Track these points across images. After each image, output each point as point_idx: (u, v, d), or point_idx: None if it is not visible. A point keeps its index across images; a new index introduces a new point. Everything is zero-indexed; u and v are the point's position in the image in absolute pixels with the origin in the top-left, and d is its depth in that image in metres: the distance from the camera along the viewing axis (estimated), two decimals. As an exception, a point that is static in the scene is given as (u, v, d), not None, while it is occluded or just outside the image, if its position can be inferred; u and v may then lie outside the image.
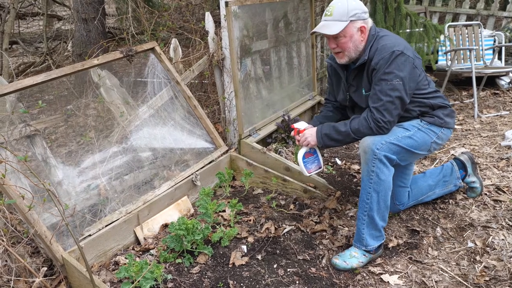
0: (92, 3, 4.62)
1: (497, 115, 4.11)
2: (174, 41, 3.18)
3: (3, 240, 1.85)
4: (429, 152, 2.27)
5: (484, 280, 1.97)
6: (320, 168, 2.41)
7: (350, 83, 2.28)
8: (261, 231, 2.42)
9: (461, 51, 4.80)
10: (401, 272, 2.10)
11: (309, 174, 2.38)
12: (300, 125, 2.38)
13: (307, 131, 2.29)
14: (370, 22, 2.17)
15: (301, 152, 2.32)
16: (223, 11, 2.90)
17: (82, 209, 2.30)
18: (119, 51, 2.64)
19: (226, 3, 2.79)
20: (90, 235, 2.13)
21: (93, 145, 2.61)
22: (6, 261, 1.92)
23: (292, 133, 2.39)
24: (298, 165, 2.36)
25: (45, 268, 1.99)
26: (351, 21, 2.08)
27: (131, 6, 4.59)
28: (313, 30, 2.21)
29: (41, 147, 2.36)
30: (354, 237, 2.20)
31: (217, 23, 3.15)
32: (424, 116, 2.21)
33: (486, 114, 4.17)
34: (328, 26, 2.11)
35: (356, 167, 3.17)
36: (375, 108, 2.06)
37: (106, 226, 2.21)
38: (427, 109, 2.20)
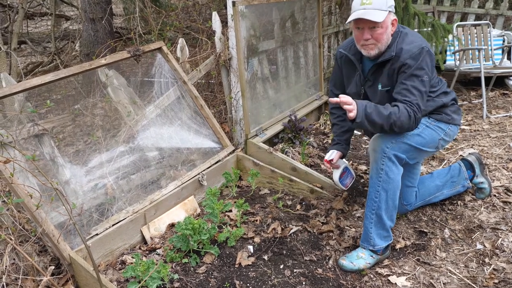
0: (100, 3, 4.65)
1: (506, 116, 4.06)
2: (181, 41, 3.18)
3: (11, 239, 1.86)
4: (436, 150, 2.27)
5: (493, 283, 1.95)
6: (353, 178, 2.58)
7: (368, 77, 2.22)
8: (268, 231, 2.41)
9: (470, 51, 4.75)
10: (408, 274, 2.08)
11: (347, 188, 2.55)
12: (331, 155, 2.46)
13: (352, 107, 1.97)
14: None
15: (337, 174, 2.46)
16: (230, 10, 2.89)
17: (89, 208, 2.31)
18: (127, 51, 2.65)
19: (233, 3, 2.79)
20: (97, 234, 2.14)
21: (101, 144, 2.62)
22: (14, 259, 1.93)
23: (327, 165, 2.47)
24: (336, 185, 2.54)
25: (53, 267, 2.00)
26: (389, 11, 2.05)
27: (138, 6, 4.61)
28: (357, 17, 2.02)
29: (49, 146, 2.38)
30: (361, 236, 2.18)
31: (224, 23, 3.15)
32: (431, 113, 2.20)
33: (495, 114, 4.13)
34: (370, 13, 1.99)
35: (363, 167, 3.15)
36: (409, 102, 1.99)
37: (113, 225, 2.22)
38: (437, 108, 2.20)
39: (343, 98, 1.94)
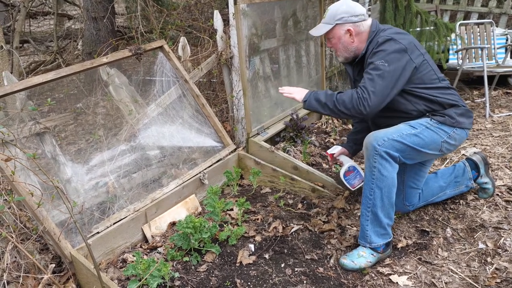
0: (102, 2, 4.64)
1: (509, 115, 4.05)
2: (182, 40, 3.18)
3: (12, 237, 1.87)
4: (441, 153, 2.21)
5: (495, 282, 1.94)
6: (363, 180, 2.51)
7: (356, 78, 2.32)
8: (269, 230, 2.41)
9: (473, 50, 4.73)
10: (410, 273, 2.07)
11: (354, 189, 2.49)
12: (334, 149, 2.51)
13: (292, 91, 2.31)
14: (364, 24, 2.18)
15: (342, 172, 2.44)
16: (231, 9, 2.89)
17: (90, 207, 2.32)
18: (128, 49, 2.65)
19: (235, 1, 2.79)
20: (98, 233, 2.14)
21: (102, 143, 2.62)
22: (16, 257, 1.94)
23: (329, 158, 2.54)
24: (342, 184, 2.49)
25: (54, 265, 2.00)
26: (336, 24, 2.19)
27: (140, 5, 4.60)
28: (309, 32, 2.36)
29: (51, 145, 2.38)
30: (359, 234, 2.18)
31: (226, 21, 3.14)
32: (434, 115, 2.17)
33: (498, 113, 4.11)
34: (317, 28, 2.27)
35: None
36: (358, 87, 2.09)
37: (114, 223, 2.22)
38: (436, 107, 2.16)
39: (281, 90, 2.32)
